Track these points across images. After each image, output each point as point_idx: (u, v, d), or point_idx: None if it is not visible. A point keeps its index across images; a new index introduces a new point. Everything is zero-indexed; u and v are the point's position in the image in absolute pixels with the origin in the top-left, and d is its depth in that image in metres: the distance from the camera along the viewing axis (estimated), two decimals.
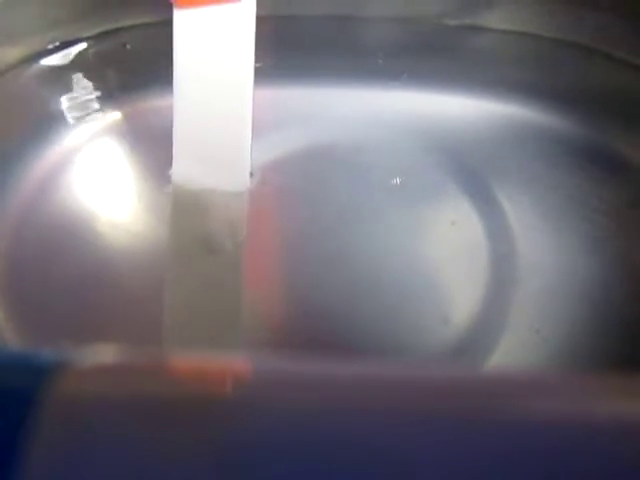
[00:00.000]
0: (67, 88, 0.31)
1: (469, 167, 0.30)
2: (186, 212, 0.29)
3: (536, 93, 0.31)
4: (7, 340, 0.25)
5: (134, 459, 0.11)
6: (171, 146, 0.29)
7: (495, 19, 0.32)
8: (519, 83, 0.32)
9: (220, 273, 0.27)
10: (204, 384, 0.13)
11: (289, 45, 0.32)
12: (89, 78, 0.31)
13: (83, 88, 0.31)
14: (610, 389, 0.13)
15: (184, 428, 0.12)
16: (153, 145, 0.30)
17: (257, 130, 0.30)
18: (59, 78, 0.30)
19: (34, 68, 0.30)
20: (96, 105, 0.31)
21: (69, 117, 0.30)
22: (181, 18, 0.25)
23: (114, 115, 0.31)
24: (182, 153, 0.28)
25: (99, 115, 0.31)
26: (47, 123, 0.30)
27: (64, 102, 0.30)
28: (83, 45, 0.31)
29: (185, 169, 0.28)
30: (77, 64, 0.31)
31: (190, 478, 0.11)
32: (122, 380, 0.13)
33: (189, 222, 0.28)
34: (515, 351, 0.26)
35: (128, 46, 0.31)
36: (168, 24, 0.28)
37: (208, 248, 0.27)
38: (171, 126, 0.30)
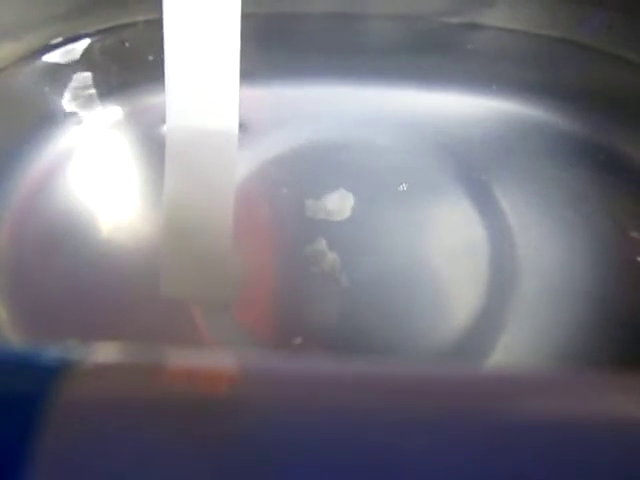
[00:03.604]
0: (66, 85, 0.30)
1: (469, 165, 0.30)
2: (180, 154, 0.29)
3: (537, 91, 0.31)
4: (8, 337, 0.25)
5: (137, 458, 0.11)
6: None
7: (496, 17, 0.32)
8: (520, 81, 0.32)
9: (213, 213, 0.28)
10: (200, 384, 0.13)
11: (288, 43, 0.32)
12: (88, 75, 0.31)
13: (82, 85, 0.31)
14: (610, 387, 0.13)
15: (183, 427, 0.12)
16: (152, 142, 0.30)
17: (257, 129, 0.30)
18: (58, 75, 0.30)
19: (34, 65, 0.30)
20: (95, 102, 0.31)
21: (68, 114, 0.30)
22: None
23: (113, 112, 0.31)
24: (174, 97, 0.29)
25: (98, 112, 0.31)
26: (47, 120, 0.30)
27: (63, 99, 0.30)
28: (82, 43, 0.31)
29: (177, 113, 0.29)
30: (76, 61, 0.31)
31: (190, 476, 0.11)
32: (125, 380, 0.13)
33: (183, 162, 0.29)
34: (515, 350, 0.26)
35: (127, 44, 0.31)
36: None
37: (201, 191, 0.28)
38: None
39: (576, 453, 0.12)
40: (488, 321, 0.26)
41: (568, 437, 0.12)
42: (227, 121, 0.30)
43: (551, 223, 0.28)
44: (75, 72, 0.31)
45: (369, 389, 0.13)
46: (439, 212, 0.29)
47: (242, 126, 0.30)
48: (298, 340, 0.25)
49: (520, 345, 0.26)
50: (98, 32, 0.31)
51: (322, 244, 0.28)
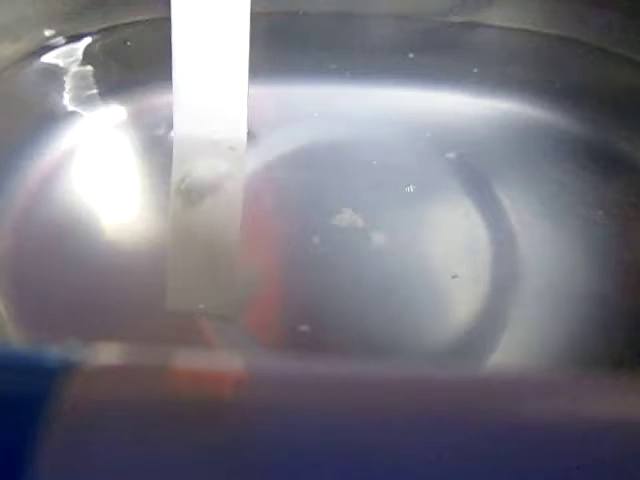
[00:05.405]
0: (68, 85, 0.30)
1: (470, 164, 0.30)
2: (187, 161, 0.29)
3: (538, 90, 0.31)
4: (10, 337, 0.25)
5: (140, 459, 0.11)
6: (172, 143, 0.30)
7: (497, 16, 0.32)
8: (521, 80, 0.32)
9: (219, 217, 0.28)
10: (205, 386, 0.13)
11: (291, 42, 0.32)
12: (90, 74, 0.31)
13: (84, 85, 0.31)
14: (611, 388, 0.13)
15: (187, 429, 0.12)
16: (154, 141, 0.30)
17: (261, 128, 0.30)
18: (60, 75, 0.30)
19: (35, 64, 0.30)
20: (97, 102, 0.31)
21: (70, 114, 0.30)
22: None
23: (115, 111, 0.31)
24: (182, 103, 0.29)
25: (100, 112, 0.31)
26: (48, 120, 0.30)
27: (65, 99, 0.30)
28: (84, 42, 0.31)
29: (185, 119, 0.29)
30: (78, 60, 0.31)
31: (194, 478, 0.11)
32: (128, 382, 0.13)
33: (191, 170, 0.29)
34: (516, 350, 0.26)
35: (129, 42, 0.31)
36: (168, 21, 0.28)
37: (208, 194, 0.28)
38: (171, 122, 0.30)
39: (576, 455, 0.12)
40: (489, 321, 0.26)
41: (568, 438, 0.12)
42: (236, 130, 0.29)
43: (552, 223, 0.28)
44: (77, 72, 0.31)
45: (372, 391, 0.13)
46: (441, 212, 0.29)
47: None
48: (304, 327, 0.25)
49: (521, 345, 0.26)
50: (99, 31, 0.31)
51: (327, 245, 0.28)
